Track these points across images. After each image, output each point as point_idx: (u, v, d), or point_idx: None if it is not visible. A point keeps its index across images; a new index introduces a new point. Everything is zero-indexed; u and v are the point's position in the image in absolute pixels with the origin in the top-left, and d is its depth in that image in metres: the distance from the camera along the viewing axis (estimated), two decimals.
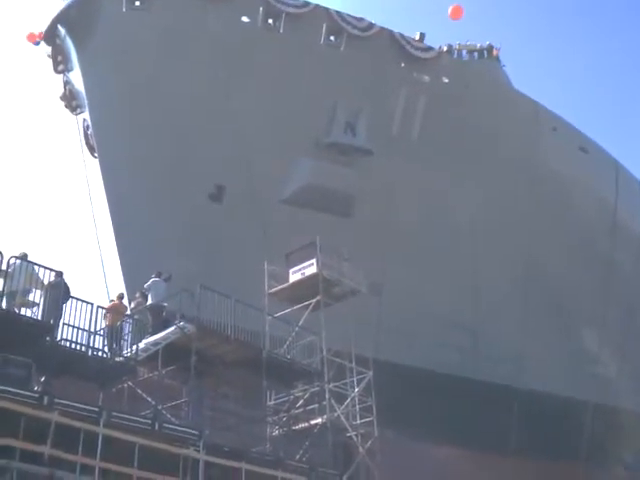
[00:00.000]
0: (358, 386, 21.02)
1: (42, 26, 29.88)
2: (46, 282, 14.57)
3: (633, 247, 38.81)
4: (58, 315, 14.37)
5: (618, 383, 36.40)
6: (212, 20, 27.75)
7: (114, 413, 13.39)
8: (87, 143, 31.71)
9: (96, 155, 30.72)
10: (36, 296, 14.73)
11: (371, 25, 30.86)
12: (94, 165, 30.50)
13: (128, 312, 18.04)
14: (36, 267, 14.52)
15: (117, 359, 15.54)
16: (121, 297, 18.05)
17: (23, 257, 14.51)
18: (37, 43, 30.21)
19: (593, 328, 36.02)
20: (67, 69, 30.92)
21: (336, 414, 19.73)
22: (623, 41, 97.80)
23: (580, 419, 33.60)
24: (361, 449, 20.07)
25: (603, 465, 33.50)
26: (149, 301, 17.99)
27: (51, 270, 14.67)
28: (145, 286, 18.28)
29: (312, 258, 21.45)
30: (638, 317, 37.68)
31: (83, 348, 14.57)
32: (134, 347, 15.81)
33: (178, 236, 27.25)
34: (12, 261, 14.29)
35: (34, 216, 71.09)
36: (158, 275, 18.29)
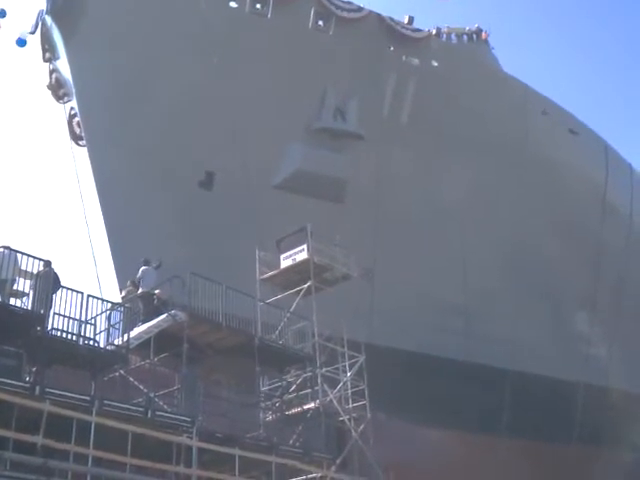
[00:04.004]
0: (350, 370, 21.12)
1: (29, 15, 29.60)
2: (35, 272, 14.49)
3: (623, 228, 38.94)
4: (48, 305, 14.32)
5: (609, 364, 36.66)
6: (202, 5, 27.54)
7: (106, 402, 13.40)
8: (71, 131, 31.46)
9: (80, 143, 30.56)
10: (25, 286, 14.69)
11: (360, 8, 30.74)
12: (81, 153, 30.32)
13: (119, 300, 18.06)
14: (24, 257, 14.43)
15: (108, 347, 15.51)
16: None
17: (6, 248, 14.44)
18: (22, 43, 29.62)
19: (584, 309, 36.22)
20: (54, 57, 30.63)
21: (329, 398, 19.82)
22: (614, 24, 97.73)
23: (572, 400, 33.83)
24: (354, 433, 20.19)
25: (597, 445, 33.85)
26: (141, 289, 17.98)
27: (40, 260, 14.61)
28: (137, 275, 18.25)
29: (303, 244, 21.49)
30: (628, 298, 37.88)
31: (74, 337, 14.54)
32: (125, 335, 15.79)
33: (169, 224, 27.20)
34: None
35: (23, 206, 70.78)
36: (146, 262, 18.27)
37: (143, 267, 18.14)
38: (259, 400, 18.92)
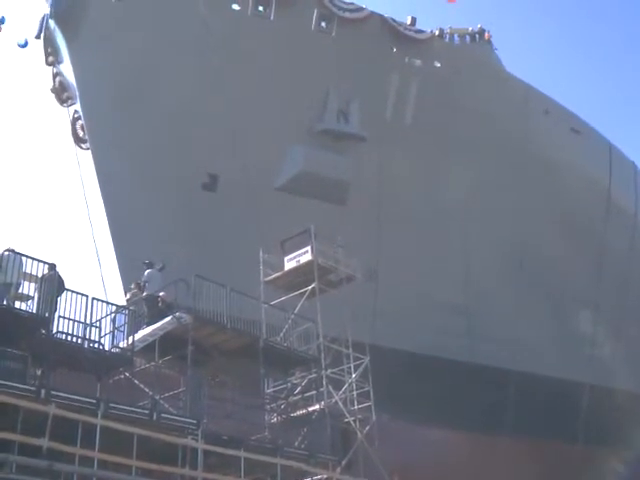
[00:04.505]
0: (355, 372, 21.09)
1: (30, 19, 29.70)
2: (39, 275, 14.50)
3: (627, 228, 38.89)
4: (53, 308, 14.33)
5: (613, 364, 36.60)
6: (203, 8, 27.58)
7: (112, 404, 13.39)
8: (74, 135, 31.46)
9: (83, 146, 30.59)
10: (29, 289, 14.72)
11: (361, 8, 30.75)
12: (85, 157, 30.36)
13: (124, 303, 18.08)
14: (29, 260, 14.43)
15: (113, 350, 15.53)
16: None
17: (11, 251, 14.47)
18: (24, 44, 29.77)
19: (587, 309, 36.17)
20: (57, 61, 30.69)
21: (334, 400, 19.78)
22: (617, 23, 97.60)
23: (576, 401, 33.77)
24: (359, 434, 20.15)
25: (601, 446, 33.82)
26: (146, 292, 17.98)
27: (44, 263, 14.61)
28: (143, 278, 18.26)
29: (307, 245, 21.50)
30: (632, 298, 37.80)
31: (79, 340, 14.55)
32: (130, 338, 15.81)
33: (173, 226, 27.20)
34: (5, 254, 14.26)
35: (27, 209, 70.88)
36: (149, 265, 18.29)
37: (148, 270, 18.16)
38: (264, 402, 18.90)
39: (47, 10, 28.46)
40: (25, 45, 29.64)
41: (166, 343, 16.27)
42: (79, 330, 14.55)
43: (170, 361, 16.97)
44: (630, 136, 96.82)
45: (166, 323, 16.43)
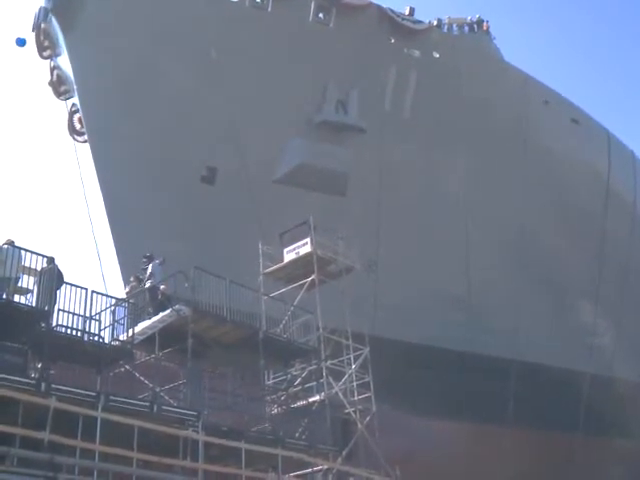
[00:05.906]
0: (355, 363, 21.15)
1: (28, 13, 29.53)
2: (39, 268, 14.50)
3: (626, 217, 38.87)
4: (53, 301, 14.34)
5: (614, 353, 36.65)
6: (201, 0, 27.50)
7: (112, 397, 13.46)
8: (71, 128, 31.36)
9: (79, 139, 30.53)
10: (29, 283, 14.71)
11: None
12: (84, 149, 30.34)
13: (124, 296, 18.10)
14: (28, 254, 14.44)
15: (113, 343, 15.56)
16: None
17: (10, 244, 14.47)
18: (22, 43, 29.58)
19: (588, 299, 36.16)
20: (55, 54, 30.59)
21: (334, 391, 19.86)
22: (614, 12, 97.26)
23: (577, 390, 33.85)
24: (359, 425, 20.22)
25: (601, 436, 33.92)
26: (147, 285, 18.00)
27: (43, 256, 14.62)
28: (149, 272, 18.25)
29: (306, 237, 21.52)
30: (632, 287, 37.82)
31: (79, 333, 14.57)
32: (130, 331, 15.83)
33: (172, 219, 27.18)
34: (4, 248, 14.27)
35: (26, 202, 70.92)
36: (150, 258, 18.30)
37: (152, 263, 18.18)
38: (264, 393, 18.94)
39: (43, 2, 28.33)
40: (23, 44, 29.42)
41: (166, 335, 16.30)
42: (79, 323, 14.60)
43: (170, 353, 17.01)
44: (628, 125, 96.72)
45: (166, 316, 16.47)
